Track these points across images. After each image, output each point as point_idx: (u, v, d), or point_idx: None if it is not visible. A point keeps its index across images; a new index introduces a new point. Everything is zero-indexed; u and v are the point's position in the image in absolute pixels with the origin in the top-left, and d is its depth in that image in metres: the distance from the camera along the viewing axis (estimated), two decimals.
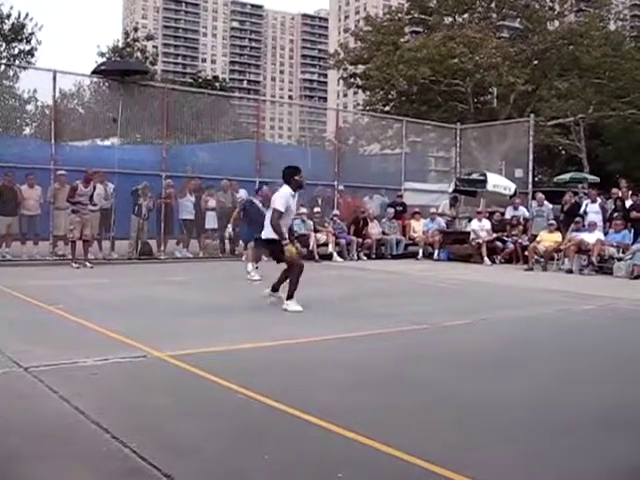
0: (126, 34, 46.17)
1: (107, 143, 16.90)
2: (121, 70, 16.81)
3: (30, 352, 5.50)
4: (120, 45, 42.18)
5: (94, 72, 16.83)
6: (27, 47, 33.21)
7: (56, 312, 7.68)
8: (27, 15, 33.17)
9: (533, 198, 18.03)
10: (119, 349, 5.75)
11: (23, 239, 14.57)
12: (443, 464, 3.29)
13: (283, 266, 8.50)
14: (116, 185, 15.22)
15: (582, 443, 3.77)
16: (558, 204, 17.31)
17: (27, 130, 19.77)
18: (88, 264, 13.42)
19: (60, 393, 4.38)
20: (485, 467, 3.35)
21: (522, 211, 17.63)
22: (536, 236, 15.99)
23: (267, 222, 8.41)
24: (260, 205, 11.76)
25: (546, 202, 17.31)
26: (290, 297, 8.25)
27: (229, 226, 12.34)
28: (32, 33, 33.28)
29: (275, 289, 8.63)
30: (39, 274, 12.25)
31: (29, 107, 19.20)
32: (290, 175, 8.45)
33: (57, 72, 14.68)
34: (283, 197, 8.31)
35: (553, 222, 15.77)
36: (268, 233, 8.39)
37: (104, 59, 35.91)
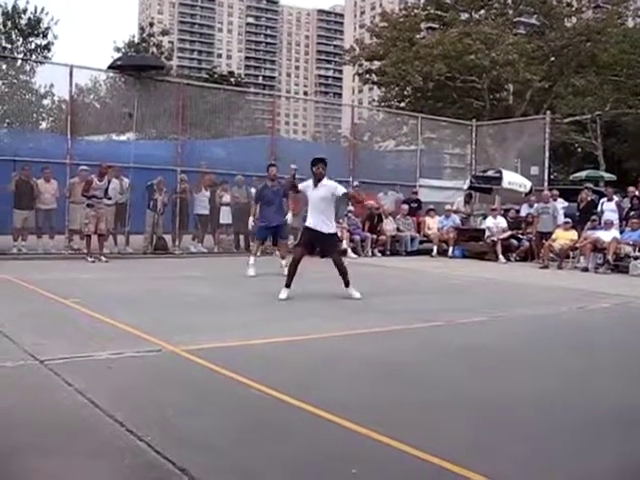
0: (142, 29, 46.34)
1: (123, 138, 16.97)
2: (137, 65, 16.84)
3: (46, 345, 5.54)
4: (136, 40, 42.37)
5: (110, 67, 16.91)
6: (44, 42, 33.33)
7: (72, 306, 7.72)
8: (43, 10, 33.32)
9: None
10: (134, 343, 5.78)
11: (39, 233, 14.66)
12: (456, 461, 3.28)
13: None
14: (131, 180, 15.29)
15: (595, 441, 3.74)
16: (574, 202, 17.22)
17: (43, 125, 19.91)
18: (103, 258, 13.48)
19: (75, 386, 4.40)
20: (498, 465, 3.33)
21: None
22: (541, 233, 15.92)
23: (322, 217, 8.85)
24: (272, 187, 11.94)
25: (560, 199, 17.21)
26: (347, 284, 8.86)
27: (251, 219, 12.32)
28: (48, 28, 33.40)
29: (347, 284, 8.97)
30: (55, 268, 12.32)
31: (45, 102, 19.32)
32: (311, 165, 8.95)
33: (74, 67, 14.75)
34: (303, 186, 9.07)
35: (569, 220, 15.67)
36: (330, 228, 8.91)
37: (120, 54, 36.06)
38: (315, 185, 8.91)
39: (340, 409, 4.01)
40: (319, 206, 8.86)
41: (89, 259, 13.33)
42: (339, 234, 16.60)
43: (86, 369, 4.92)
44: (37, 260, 13.60)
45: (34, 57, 30.45)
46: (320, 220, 8.86)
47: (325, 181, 8.94)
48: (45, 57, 31.63)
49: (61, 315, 7.27)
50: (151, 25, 46.80)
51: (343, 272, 8.88)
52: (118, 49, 39.97)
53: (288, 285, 8.72)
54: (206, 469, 3.17)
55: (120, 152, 15.48)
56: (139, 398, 4.31)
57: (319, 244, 9.03)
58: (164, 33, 51.61)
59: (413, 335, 6.77)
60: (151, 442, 3.43)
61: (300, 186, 9.12)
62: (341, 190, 8.85)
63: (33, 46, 33.24)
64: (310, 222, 8.96)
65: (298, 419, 3.96)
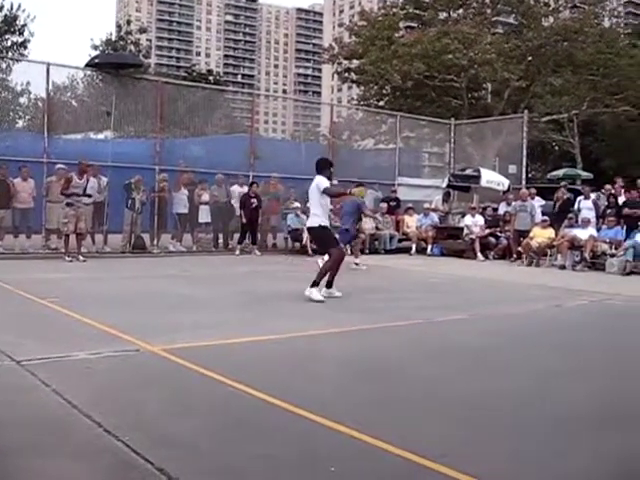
0: (119, 27, 45.97)
1: (101, 136, 16.85)
2: (115, 63, 16.74)
3: (23, 345, 5.49)
4: (113, 38, 42.02)
5: (88, 65, 16.77)
6: (20, 39, 33.01)
7: (49, 305, 7.66)
8: (20, 7, 32.99)
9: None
10: (112, 343, 5.75)
11: (16, 232, 14.51)
12: (435, 459, 3.30)
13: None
14: (109, 179, 15.19)
15: (575, 438, 3.78)
16: (551, 200, 17.35)
17: (20, 123, 19.69)
18: (81, 258, 13.38)
19: (53, 387, 4.37)
20: (478, 462, 3.35)
21: None
22: (519, 231, 16.03)
23: (315, 211, 8.99)
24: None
25: (538, 197, 17.35)
26: (316, 284, 8.68)
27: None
28: (25, 25, 33.08)
29: (330, 285, 9.06)
30: (32, 267, 12.22)
31: (22, 100, 19.10)
32: (325, 167, 9.18)
33: (50, 65, 14.64)
34: (326, 182, 8.95)
35: (546, 218, 15.79)
36: (318, 221, 8.95)
37: (98, 52, 35.75)
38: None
39: (320, 408, 4.02)
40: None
41: (67, 258, 13.22)
42: None
43: (64, 369, 4.89)
44: (14, 260, 13.48)
45: (10, 54, 30.13)
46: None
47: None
48: (22, 55, 31.31)
49: (38, 315, 7.22)
50: (129, 23, 46.37)
51: (320, 272, 8.85)
52: (96, 47, 39.65)
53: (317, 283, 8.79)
54: (184, 469, 3.16)
55: (98, 151, 15.37)
56: (117, 398, 4.29)
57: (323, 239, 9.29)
58: (142, 31, 51.34)
59: (392, 333, 6.80)
60: (129, 442, 3.41)
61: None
62: (322, 185, 8.88)
63: (9, 43, 32.92)
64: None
65: (277, 418, 3.96)
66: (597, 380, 5.16)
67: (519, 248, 15.66)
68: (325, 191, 8.82)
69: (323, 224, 8.93)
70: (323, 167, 9.14)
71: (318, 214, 8.94)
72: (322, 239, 9.29)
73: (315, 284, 8.68)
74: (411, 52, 33.14)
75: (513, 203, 17.05)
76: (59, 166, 14.14)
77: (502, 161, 21.39)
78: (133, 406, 4.12)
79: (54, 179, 14.20)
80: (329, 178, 9.10)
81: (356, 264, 13.50)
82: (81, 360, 5.13)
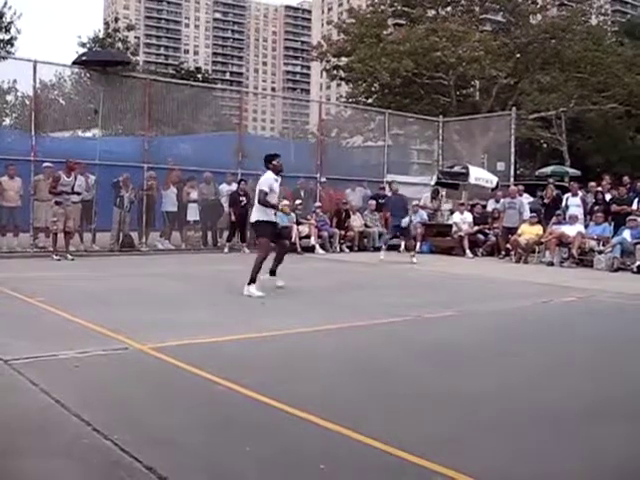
0: (107, 24, 45.73)
1: (88, 134, 16.80)
2: (102, 61, 16.67)
3: (10, 345, 5.46)
4: (101, 35, 41.82)
5: (75, 62, 16.70)
6: (6, 36, 32.82)
7: (37, 304, 7.62)
8: (6, 4, 32.78)
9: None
10: (100, 341, 5.73)
11: (3, 231, 14.43)
12: (423, 455, 3.31)
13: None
14: (97, 177, 15.13)
15: (565, 436, 3.80)
16: (540, 197, 17.41)
17: (7, 121, 19.61)
18: (69, 256, 13.32)
19: (41, 386, 4.35)
20: (469, 459, 3.36)
21: None
22: (507, 228, 16.09)
23: (255, 206, 9.33)
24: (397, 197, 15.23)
25: (526, 195, 17.40)
26: (253, 281, 8.80)
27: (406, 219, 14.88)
28: (11, 22, 32.89)
29: (273, 273, 9.37)
30: (19, 266, 12.16)
31: (9, 97, 19.04)
32: (269, 161, 9.40)
33: (37, 62, 14.56)
34: (267, 180, 9.22)
35: (534, 215, 15.85)
36: (256, 216, 9.23)
37: (85, 49, 35.57)
38: (276, 179, 9.39)
39: (308, 405, 4.02)
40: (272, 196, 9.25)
41: (55, 257, 13.16)
42: (307, 230, 16.75)
43: (52, 368, 4.87)
44: (1, 259, 13.39)
45: None
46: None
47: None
48: (8, 52, 31.08)
49: (26, 314, 7.18)
50: (116, 20, 46.13)
51: (253, 267, 8.97)
52: (83, 44, 39.44)
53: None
54: (173, 467, 3.15)
55: (86, 149, 15.31)
56: (106, 397, 4.28)
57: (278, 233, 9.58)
58: (130, 28, 51.09)
59: (381, 330, 6.81)
60: (118, 441, 3.41)
61: (268, 188, 9.22)
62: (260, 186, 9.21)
63: None
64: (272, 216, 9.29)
65: (266, 416, 3.96)
66: (584, 377, 5.18)
67: (507, 245, 15.72)
68: (258, 194, 9.15)
69: (260, 219, 9.15)
70: (266, 161, 9.45)
71: (257, 209, 9.26)
72: (257, 232, 9.68)
73: (252, 281, 8.80)
74: (399, 50, 33.19)
75: (502, 200, 17.10)
76: (46, 164, 14.08)
77: (490, 158, 21.46)
78: (122, 405, 4.11)
79: (42, 177, 14.12)
80: (276, 170, 9.35)
81: (412, 258, 14.56)
82: (69, 359, 5.11)
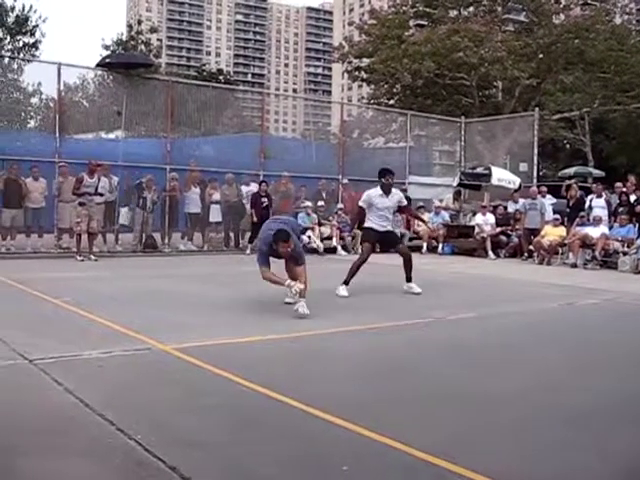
0: (130, 27, 46.08)
1: (111, 136, 16.93)
2: (125, 63, 16.79)
3: (35, 345, 5.51)
4: (124, 38, 42.18)
5: (99, 65, 16.85)
6: (31, 40, 33.24)
7: (61, 305, 7.69)
8: (31, 7, 33.22)
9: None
10: (124, 342, 5.77)
11: (28, 232, 14.60)
12: (445, 457, 3.30)
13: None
14: (120, 178, 15.24)
15: (586, 437, 3.76)
16: (563, 198, 17.25)
17: (31, 123, 19.81)
18: (93, 257, 13.43)
19: (65, 385, 4.39)
20: (487, 460, 3.35)
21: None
22: (530, 230, 15.97)
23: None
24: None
25: (549, 196, 17.26)
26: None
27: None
28: (36, 26, 33.28)
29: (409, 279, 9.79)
30: (44, 267, 12.27)
31: (33, 100, 19.22)
32: (379, 176, 9.58)
33: (62, 65, 14.69)
34: (367, 195, 9.59)
35: (558, 217, 15.73)
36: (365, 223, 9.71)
37: (108, 52, 35.88)
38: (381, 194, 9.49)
39: (331, 406, 4.02)
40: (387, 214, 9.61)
41: (78, 258, 13.28)
42: (329, 232, 16.75)
43: (76, 368, 4.91)
44: (26, 259, 13.55)
45: (22, 55, 30.30)
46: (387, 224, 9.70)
47: (395, 191, 9.73)
48: (33, 55, 31.51)
49: (51, 314, 7.24)
50: (139, 23, 46.49)
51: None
52: (106, 47, 39.83)
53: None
54: (196, 467, 3.17)
55: (109, 150, 15.45)
56: (129, 397, 4.30)
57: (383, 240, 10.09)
58: (152, 31, 51.61)
59: (403, 332, 6.79)
60: (141, 441, 3.43)
61: (365, 204, 9.58)
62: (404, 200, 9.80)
63: (21, 44, 33.13)
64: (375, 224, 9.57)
65: (289, 416, 3.97)
66: (608, 378, 5.13)
67: (530, 246, 15.62)
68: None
69: (365, 225, 9.74)
70: (378, 177, 9.66)
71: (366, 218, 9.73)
72: (361, 237, 10.38)
73: (346, 282, 9.26)
74: (421, 50, 33.04)
75: (523, 201, 16.98)
76: (61, 164, 14.25)
77: (513, 159, 21.34)
78: (145, 405, 4.13)
79: (60, 179, 14.30)
80: (383, 188, 9.56)
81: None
82: (93, 359, 5.16)
